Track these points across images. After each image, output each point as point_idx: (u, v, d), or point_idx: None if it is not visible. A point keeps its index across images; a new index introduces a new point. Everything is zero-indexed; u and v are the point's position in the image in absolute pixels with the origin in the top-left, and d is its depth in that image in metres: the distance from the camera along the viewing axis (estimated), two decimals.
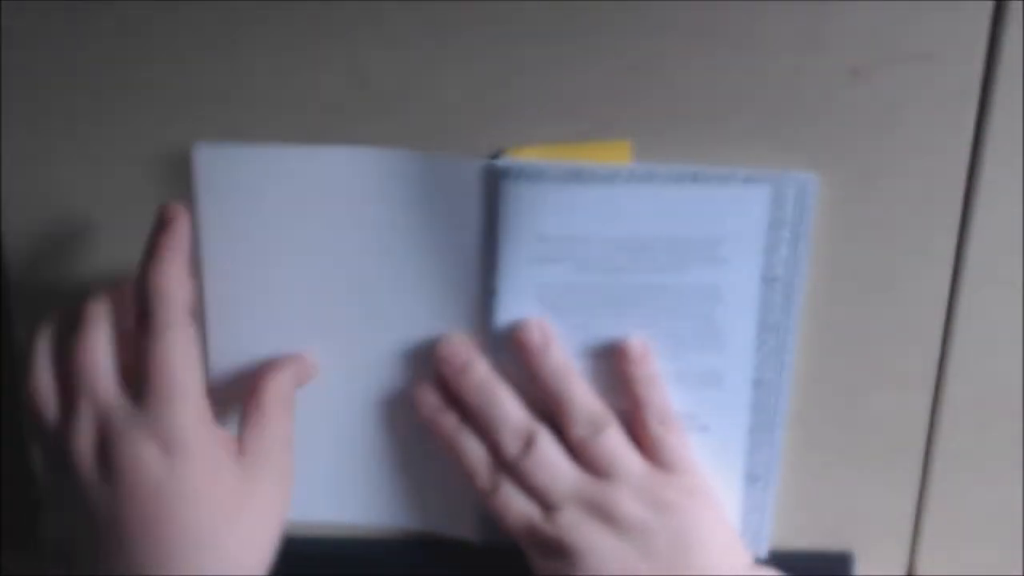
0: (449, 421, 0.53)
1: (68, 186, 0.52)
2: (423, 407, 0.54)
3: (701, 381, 0.54)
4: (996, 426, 0.55)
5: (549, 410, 0.53)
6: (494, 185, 0.51)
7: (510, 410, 0.52)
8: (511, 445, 0.52)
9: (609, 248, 0.51)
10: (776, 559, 0.56)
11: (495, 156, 0.51)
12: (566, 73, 0.50)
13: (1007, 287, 0.53)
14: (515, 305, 0.53)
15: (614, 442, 0.52)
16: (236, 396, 0.53)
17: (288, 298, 0.54)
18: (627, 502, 0.51)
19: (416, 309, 0.53)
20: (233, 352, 0.54)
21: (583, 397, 0.52)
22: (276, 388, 0.51)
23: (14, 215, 0.53)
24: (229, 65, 0.50)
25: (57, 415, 0.48)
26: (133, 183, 0.52)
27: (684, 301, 0.52)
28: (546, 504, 0.52)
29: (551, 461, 0.52)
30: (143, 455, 0.46)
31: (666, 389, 0.53)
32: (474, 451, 0.53)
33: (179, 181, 0.52)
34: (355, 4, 0.49)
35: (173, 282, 0.48)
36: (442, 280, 0.53)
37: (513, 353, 0.53)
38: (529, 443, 0.52)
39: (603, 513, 0.51)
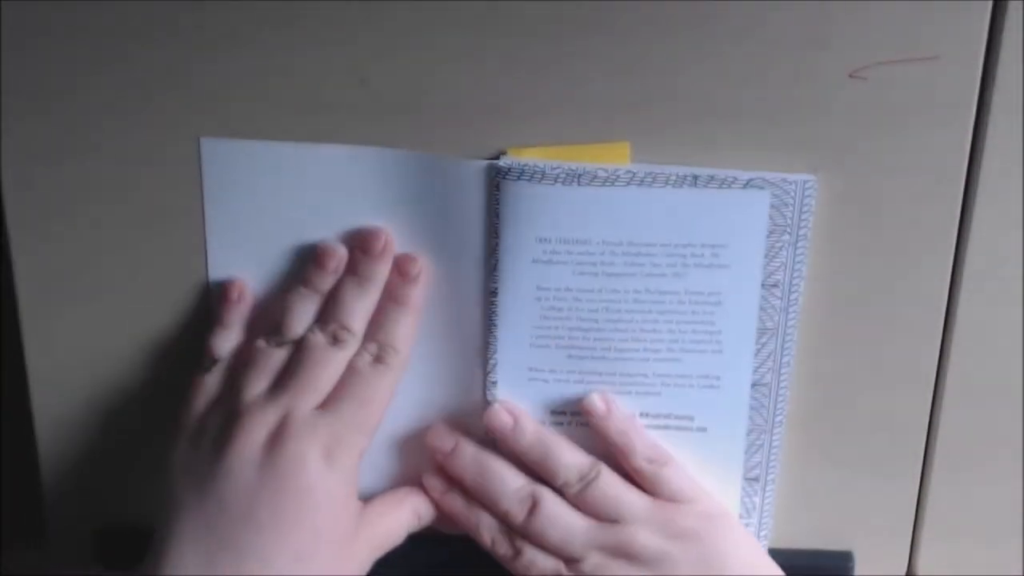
0: (456, 502, 0.54)
1: (72, 184, 0.52)
2: (431, 492, 0.55)
3: (700, 383, 0.54)
4: (996, 426, 0.55)
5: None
6: (495, 185, 0.51)
7: (507, 480, 0.53)
8: (517, 512, 0.53)
9: (609, 251, 0.51)
10: (777, 559, 0.56)
11: (495, 157, 0.51)
12: (566, 73, 0.50)
13: (1007, 287, 0.53)
14: (515, 306, 0.53)
15: (611, 488, 0.53)
16: None
17: None
18: (643, 537, 0.52)
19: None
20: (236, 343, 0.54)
21: (567, 456, 0.53)
22: (418, 505, 0.55)
23: (18, 213, 0.53)
24: (231, 65, 0.50)
25: (254, 396, 0.51)
26: (138, 179, 0.52)
27: (684, 305, 0.52)
28: (567, 558, 0.53)
29: (559, 518, 0.53)
30: (309, 454, 0.49)
31: (641, 428, 0.54)
32: (486, 524, 0.54)
33: (185, 176, 0.52)
34: (356, 4, 0.49)
35: (410, 332, 0.53)
36: (443, 279, 0.53)
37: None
38: (534, 506, 0.53)
39: (623, 553, 0.52)
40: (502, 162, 0.50)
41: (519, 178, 0.50)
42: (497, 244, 0.52)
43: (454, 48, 0.49)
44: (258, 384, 0.52)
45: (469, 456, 0.54)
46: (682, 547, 0.52)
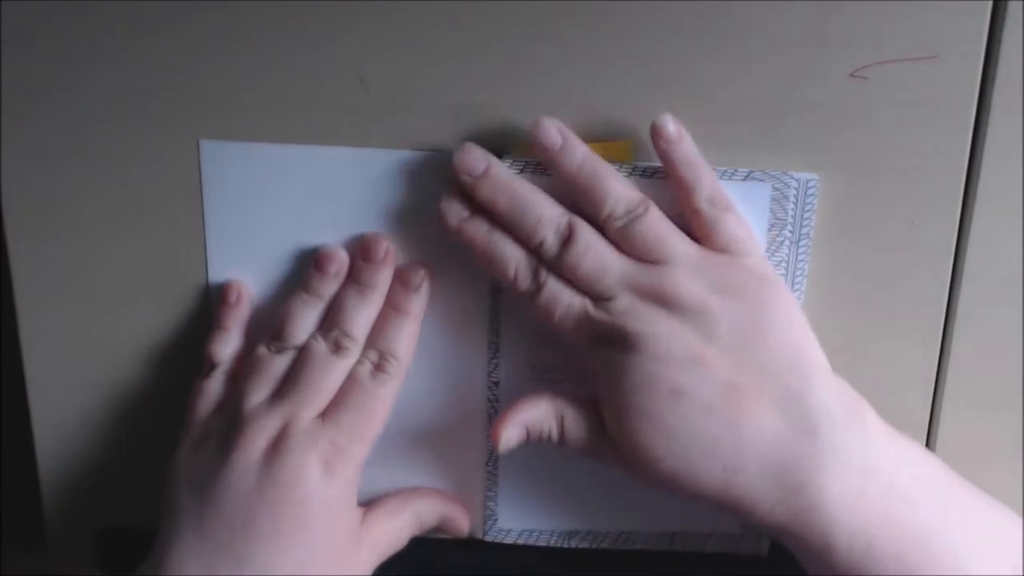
0: (479, 227, 0.50)
1: (71, 185, 0.52)
2: (449, 216, 0.50)
3: None
4: (996, 425, 0.55)
5: (584, 210, 0.49)
6: None
7: (543, 206, 0.49)
8: (551, 241, 0.49)
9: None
10: (777, 558, 0.56)
11: (498, 156, 0.51)
12: (568, 73, 0.50)
13: (1007, 287, 0.53)
14: (519, 303, 0.52)
15: (659, 226, 0.48)
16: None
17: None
18: (684, 284, 0.47)
19: None
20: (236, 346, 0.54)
21: (616, 186, 0.49)
22: (421, 509, 0.55)
23: (17, 214, 0.53)
24: (231, 66, 0.50)
25: (255, 404, 0.51)
26: (137, 181, 0.52)
27: None
28: (596, 295, 0.48)
29: (596, 250, 0.48)
30: (309, 465, 0.49)
31: (707, 166, 0.49)
32: (511, 253, 0.49)
33: (184, 178, 0.52)
34: (356, 4, 0.49)
35: (412, 341, 0.52)
36: (446, 279, 0.53)
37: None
38: (570, 235, 0.48)
39: (659, 297, 0.47)
40: (505, 159, 0.50)
41: (522, 172, 0.50)
42: None
43: (454, 48, 0.49)
44: (259, 392, 0.51)
45: (503, 178, 0.49)
46: (725, 302, 0.47)
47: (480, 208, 0.50)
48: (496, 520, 0.56)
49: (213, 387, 0.53)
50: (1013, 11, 0.48)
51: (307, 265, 0.53)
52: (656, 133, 0.49)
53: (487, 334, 0.53)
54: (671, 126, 0.48)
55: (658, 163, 0.50)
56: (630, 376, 0.47)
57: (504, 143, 0.51)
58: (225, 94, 0.51)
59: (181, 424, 0.53)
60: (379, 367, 0.52)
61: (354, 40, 0.50)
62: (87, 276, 0.54)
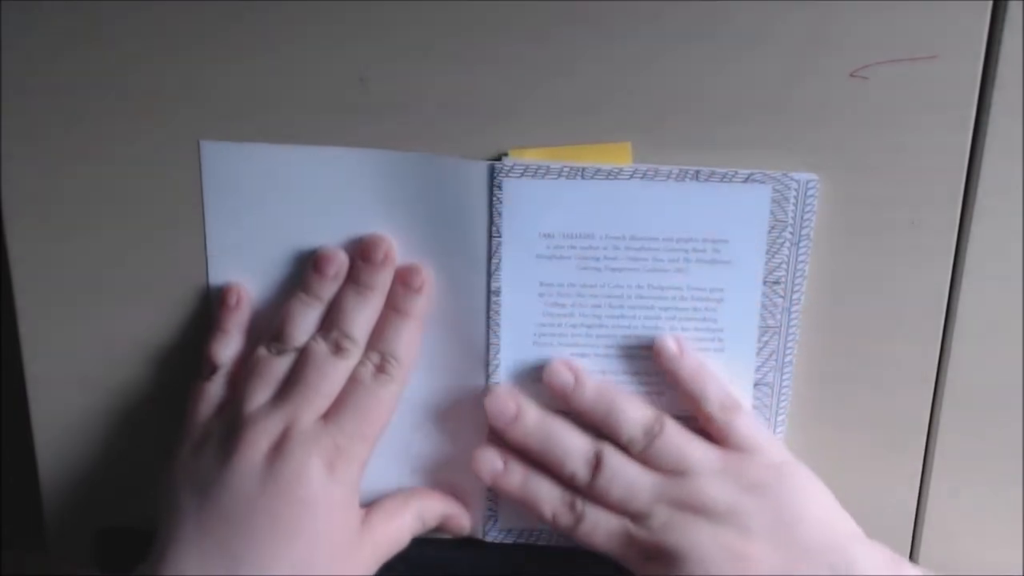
0: (513, 479, 0.53)
1: (71, 187, 0.52)
2: (485, 475, 0.53)
3: None
4: (996, 425, 0.55)
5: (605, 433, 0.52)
6: (497, 184, 0.51)
7: (571, 441, 0.52)
8: (582, 473, 0.52)
9: (612, 245, 0.51)
10: None
11: (496, 158, 0.51)
12: (566, 74, 0.50)
13: (1007, 287, 0.53)
14: (518, 303, 0.53)
15: (677, 439, 0.51)
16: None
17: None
18: (713, 489, 0.50)
19: None
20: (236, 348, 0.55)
21: (630, 411, 0.52)
22: (422, 509, 0.55)
23: (17, 215, 0.53)
24: (231, 66, 0.50)
25: (256, 406, 0.51)
26: (137, 182, 0.52)
27: (686, 302, 0.52)
28: (633, 515, 0.51)
29: (623, 474, 0.51)
30: (311, 466, 0.50)
31: (713, 372, 0.52)
32: (547, 495, 0.53)
33: (184, 179, 0.52)
34: (356, 4, 0.49)
35: (414, 342, 0.53)
36: (446, 280, 0.53)
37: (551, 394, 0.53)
38: (599, 463, 0.51)
39: (692, 506, 0.50)
40: (506, 161, 0.50)
41: (522, 175, 0.50)
42: (499, 242, 0.52)
43: (454, 49, 0.49)
44: (261, 393, 0.51)
45: (533, 420, 0.53)
46: (754, 499, 0.50)
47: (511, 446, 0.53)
48: (496, 520, 0.56)
49: (214, 389, 0.53)
50: (1013, 11, 0.48)
51: (306, 266, 0.53)
52: (658, 354, 0.52)
53: (487, 334, 0.53)
54: (671, 344, 0.52)
55: (658, 166, 0.50)
56: None
57: (504, 143, 0.51)
58: (225, 95, 0.51)
59: (181, 426, 0.53)
60: (380, 368, 0.52)
61: (354, 41, 0.50)
62: (87, 276, 0.54)
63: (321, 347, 0.51)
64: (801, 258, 0.52)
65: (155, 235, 0.53)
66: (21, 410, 0.56)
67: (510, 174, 0.50)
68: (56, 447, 0.57)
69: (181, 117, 0.51)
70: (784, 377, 0.53)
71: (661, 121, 0.50)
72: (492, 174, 0.51)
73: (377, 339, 0.52)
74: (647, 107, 0.50)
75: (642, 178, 0.50)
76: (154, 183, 0.52)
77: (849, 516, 0.51)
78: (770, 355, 0.53)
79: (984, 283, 0.53)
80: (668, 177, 0.50)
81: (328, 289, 0.52)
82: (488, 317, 0.53)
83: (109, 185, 0.52)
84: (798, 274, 0.52)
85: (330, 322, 0.52)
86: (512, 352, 0.54)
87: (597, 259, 0.52)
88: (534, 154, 0.51)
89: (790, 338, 0.53)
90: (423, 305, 0.53)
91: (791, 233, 0.51)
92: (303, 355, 0.52)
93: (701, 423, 0.52)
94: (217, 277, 0.54)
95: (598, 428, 0.52)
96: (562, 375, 0.52)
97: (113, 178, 0.52)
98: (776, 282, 0.52)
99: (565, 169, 0.50)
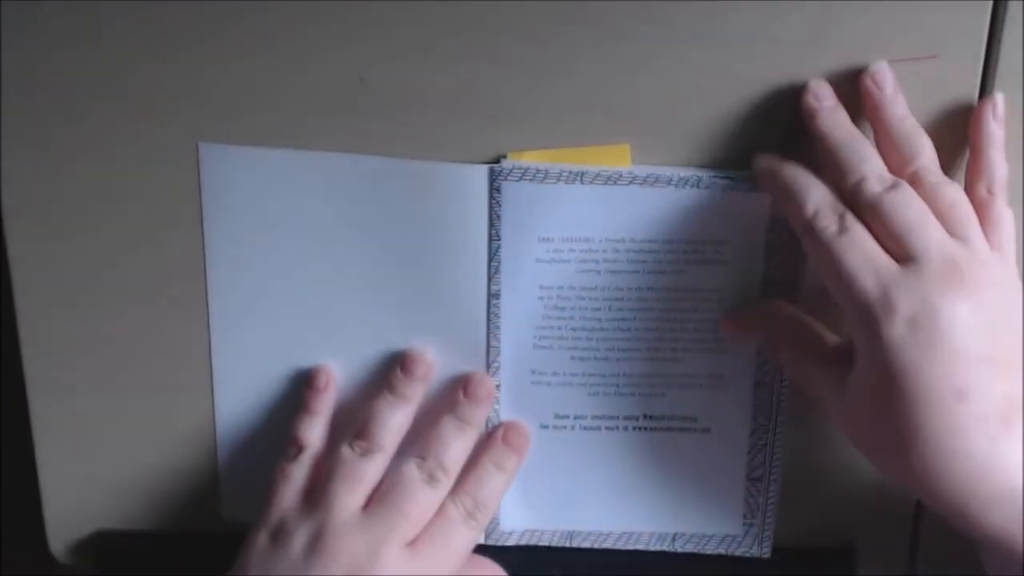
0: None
1: (70, 188, 0.52)
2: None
3: (703, 383, 0.54)
4: None
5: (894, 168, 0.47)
6: (496, 188, 0.51)
7: (871, 150, 0.47)
8: (872, 181, 0.45)
9: (611, 248, 0.51)
10: (778, 558, 0.56)
11: (495, 161, 0.51)
12: (565, 74, 0.50)
13: None
14: (518, 307, 0.53)
15: (966, 211, 0.46)
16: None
17: (292, 300, 0.54)
18: (988, 273, 0.44)
19: (420, 313, 0.53)
20: (235, 351, 0.54)
21: (930, 142, 0.48)
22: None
23: (17, 215, 0.53)
24: (231, 68, 0.50)
25: (344, 517, 0.51)
26: (136, 184, 0.52)
27: (686, 303, 0.52)
28: (903, 254, 0.44)
29: (918, 205, 0.45)
30: (354, 550, 0.49)
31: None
32: (818, 190, 0.47)
33: (183, 180, 0.52)
34: (355, 5, 0.49)
35: (499, 500, 0.54)
36: (446, 284, 0.53)
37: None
38: (895, 184, 0.45)
39: (963, 277, 0.43)
40: (505, 163, 0.50)
41: (521, 178, 0.50)
42: (499, 246, 0.52)
43: (453, 51, 0.49)
44: (349, 499, 0.51)
45: (844, 115, 0.48)
46: (1012, 306, 0.44)
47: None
48: (497, 521, 0.56)
49: (298, 472, 0.53)
50: (1013, 11, 0.48)
51: (307, 269, 0.53)
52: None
53: (487, 337, 0.53)
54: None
55: (657, 167, 0.50)
56: (915, 361, 0.42)
57: (503, 144, 0.51)
58: (225, 95, 0.51)
59: (262, 505, 0.53)
60: (471, 515, 0.52)
61: (354, 41, 0.50)
62: (87, 276, 0.54)
63: (415, 473, 0.52)
64: (800, 258, 0.52)
65: (154, 236, 0.53)
66: (21, 410, 0.56)
67: (509, 178, 0.50)
68: (56, 447, 0.57)
69: (181, 117, 0.51)
70: (783, 377, 0.53)
71: (660, 122, 0.50)
72: (492, 178, 0.51)
73: (471, 482, 0.53)
74: (647, 108, 0.50)
75: (641, 184, 0.50)
76: (153, 184, 0.52)
77: None
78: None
79: None
80: (668, 184, 0.50)
81: (415, 391, 0.53)
82: (488, 320, 0.53)
83: (109, 185, 0.52)
84: (797, 274, 0.52)
85: (426, 448, 0.52)
86: (512, 355, 0.54)
87: (596, 262, 0.52)
88: (532, 156, 0.51)
89: None
90: (519, 461, 0.54)
91: (791, 234, 0.51)
92: (396, 476, 0.52)
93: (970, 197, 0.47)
94: (215, 279, 0.54)
95: (892, 150, 0.47)
96: (887, 78, 0.48)
97: (113, 178, 0.52)
98: (775, 282, 0.52)
99: (564, 173, 0.50)
